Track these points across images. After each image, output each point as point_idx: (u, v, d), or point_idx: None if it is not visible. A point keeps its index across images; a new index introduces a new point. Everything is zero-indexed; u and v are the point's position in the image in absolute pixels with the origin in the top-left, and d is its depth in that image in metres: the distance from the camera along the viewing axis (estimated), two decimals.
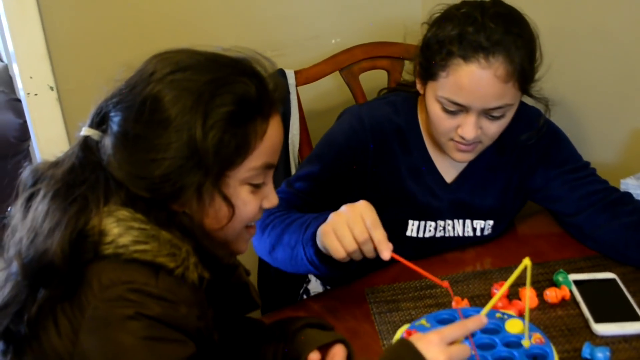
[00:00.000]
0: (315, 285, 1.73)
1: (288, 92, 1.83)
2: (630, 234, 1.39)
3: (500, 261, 1.46)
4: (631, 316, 1.23)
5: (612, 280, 1.33)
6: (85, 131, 0.98)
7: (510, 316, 1.15)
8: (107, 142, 0.96)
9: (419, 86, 1.44)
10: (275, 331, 1.13)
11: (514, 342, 1.09)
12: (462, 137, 1.36)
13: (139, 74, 0.97)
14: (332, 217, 1.18)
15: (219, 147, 0.93)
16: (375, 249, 1.15)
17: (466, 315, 1.07)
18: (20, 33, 1.77)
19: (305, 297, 1.72)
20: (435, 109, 1.37)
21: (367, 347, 1.21)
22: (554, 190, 1.50)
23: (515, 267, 1.02)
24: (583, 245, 1.48)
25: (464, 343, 0.98)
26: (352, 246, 1.14)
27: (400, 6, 2.17)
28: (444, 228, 1.52)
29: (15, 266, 0.92)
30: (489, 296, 1.32)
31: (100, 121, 0.98)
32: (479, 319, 0.99)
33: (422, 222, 1.51)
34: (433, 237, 1.52)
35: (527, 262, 0.99)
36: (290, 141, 1.85)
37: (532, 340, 1.08)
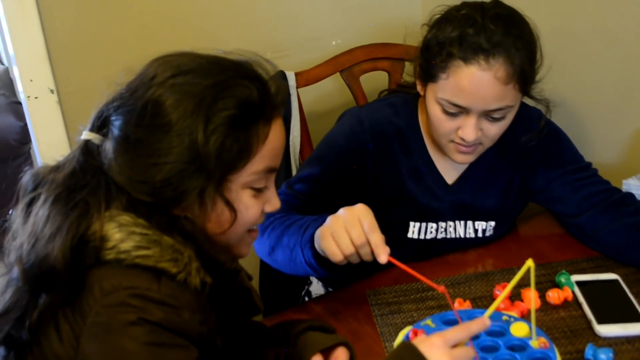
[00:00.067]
0: (316, 287, 1.72)
1: (289, 95, 1.83)
2: (632, 235, 1.39)
3: (502, 262, 1.45)
4: (634, 317, 1.22)
5: (615, 281, 1.32)
6: (86, 135, 0.98)
7: (516, 319, 1.14)
8: (108, 146, 0.95)
9: (419, 88, 1.43)
10: (277, 334, 1.13)
11: (518, 346, 1.08)
12: (463, 139, 1.36)
13: (140, 77, 0.97)
14: (330, 220, 1.18)
15: (220, 151, 0.93)
16: (373, 253, 1.14)
17: (471, 317, 1.06)
18: (20, 36, 1.77)
19: (306, 299, 1.72)
20: (435, 110, 1.37)
21: (369, 349, 1.21)
22: (555, 191, 1.50)
23: (518, 268, 1.02)
24: (585, 246, 1.47)
25: (467, 346, 0.98)
26: (349, 249, 1.14)
27: (401, 7, 2.16)
28: (445, 229, 1.52)
29: (16, 271, 0.91)
30: (491, 298, 1.32)
31: (101, 125, 0.98)
32: (482, 322, 0.99)
33: (423, 224, 1.51)
34: (434, 239, 1.52)
35: (530, 263, 0.99)
36: (291, 143, 1.85)
37: (537, 342, 1.07)
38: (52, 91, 1.82)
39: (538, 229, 1.61)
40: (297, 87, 1.86)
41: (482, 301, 1.32)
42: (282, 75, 1.82)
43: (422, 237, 1.51)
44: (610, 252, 1.42)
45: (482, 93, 1.29)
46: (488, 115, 1.33)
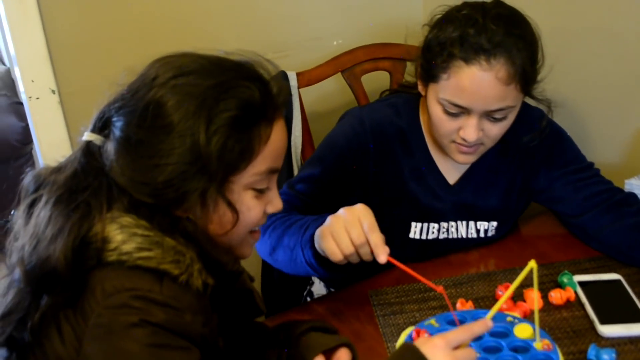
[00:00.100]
0: (318, 288, 1.72)
1: (291, 95, 1.83)
2: (635, 235, 1.38)
3: (505, 263, 1.45)
4: (637, 317, 1.22)
5: (617, 281, 1.32)
6: (88, 136, 0.98)
7: (521, 320, 1.14)
8: (110, 147, 0.95)
9: (420, 88, 1.43)
10: (279, 335, 1.13)
11: (521, 347, 1.08)
12: (464, 139, 1.35)
13: (141, 78, 0.97)
14: (330, 219, 1.18)
15: (222, 152, 0.93)
16: (372, 253, 1.14)
17: (475, 318, 1.06)
18: (21, 36, 1.77)
19: (308, 299, 1.72)
20: (436, 111, 1.37)
21: (372, 350, 1.21)
22: (557, 191, 1.50)
23: (520, 268, 1.02)
24: (587, 246, 1.47)
25: (469, 347, 0.98)
26: (349, 249, 1.14)
27: (402, 7, 2.16)
28: (447, 230, 1.52)
29: (17, 273, 0.91)
30: (494, 298, 1.32)
31: (102, 126, 0.98)
32: (485, 323, 0.98)
33: (425, 224, 1.51)
34: (436, 239, 1.52)
35: (532, 264, 0.99)
36: (292, 143, 1.85)
37: (540, 344, 1.07)
38: (53, 92, 1.82)
39: (540, 229, 1.61)
40: (298, 87, 1.86)
41: (485, 301, 1.31)
42: (283, 76, 1.82)
43: (423, 237, 1.51)
44: (612, 252, 1.42)
45: (483, 93, 1.29)
46: (489, 115, 1.33)
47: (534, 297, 1.25)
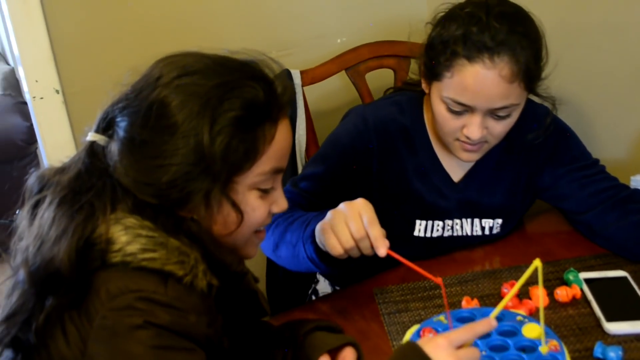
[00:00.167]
0: (323, 286, 1.72)
1: (295, 94, 1.83)
2: None
3: (510, 260, 1.45)
4: None
5: (624, 279, 1.32)
6: (92, 136, 0.97)
7: (531, 320, 1.13)
8: (114, 147, 0.95)
9: (424, 86, 1.43)
10: (285, 334, 1.12)
11: (528, 347, 1.08)
12: (468, 137, 1.35)
13: (145, 78, 0.97)
14: (331, 214, 1.18)
15: (226, 152, 0.92)
16: (373, 246, 1.14)
17: (484, 315, 1.05)
18: (25, 36, 1.77)
19: (313, 297, 1.72)
20: (440, 109, 1.36)
21: (377, 348, 1.20)
22: (562, 189, 1.49)
23: (525, 266, 1.01)
24: (593, 244, 1.46)
25: (473, 346, 0.98)
26: (349, 243, 1.14)
27: (406, 4, 2.16)
28: (452, 227, 1.52)
29: (22, 274, 0.91)
30: (499, 296, 1.32)
31: (106, 126, 0.97)
32: (488, 322, 0.98)
33: (430, 222, 1.50)
34: (441, 237, 1.52)
35: (537, 263, 0.98)
36: (297, 141, 1.85)
37: (547, 346, 1.06)
38: (57, 91, 1.82)
39: (545, 226, 1.61)
40: (302, 86, 1.86)
41: (490, 299, 1.31)
42: (287, 74, 1.82)
43: (428, 235, 1.51)
44: (618, 249, 1.42)
45: (487, 91, 1.29)
46: (493, 113, 1.33)
47: (540, 296, 1.25)
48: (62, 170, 0.97)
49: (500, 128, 1.36)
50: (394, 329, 1.25)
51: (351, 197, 1.27)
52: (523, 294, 1.29)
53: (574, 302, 1.29)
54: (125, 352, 0.85)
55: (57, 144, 1.84)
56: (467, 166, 1.50)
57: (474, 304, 1.28)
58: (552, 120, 1.48)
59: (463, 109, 1.33)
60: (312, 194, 1.44)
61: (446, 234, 1.52)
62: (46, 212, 0.93)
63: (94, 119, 1.00)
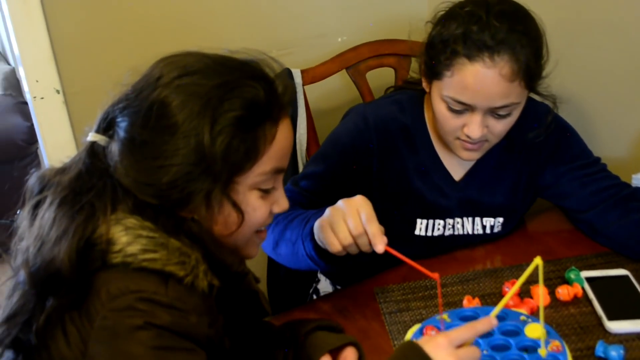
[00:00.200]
0: (324, 285, 1.72)
1: (296, 93, 1.83)
2: None
3: (511, 259, 1.45)
4: None
5: (625, 277, 1.32)
6: (92, 137, 0.97)
7: (534, 320, 1.13)
8: (114, 148, 0.95)
9: (424, 84, 1.43)
10: (286, 334, 1.12)
11: (530, 347, 1.07)
12: (468, 136, 1.35)
13: (145, 78, 0.96)
14: (329, 211, 1.18)
15: (227, 152, 0.92)
16: (371, 243, 1.14)
17: (485, 314, 1.05)
18: (25, 36, 1.77)
19: (314, 297, 1.72)
20: (440, 108, 1.36)
21: (378, 348, 1.20)
22: (564, 187, 1.49)
23: (527, 265, 1.01)
24: (594, 242, 1.46)
25: (473, 345, 0.97)
26: (347, 240, 1.14)
27: (406, 3, 2.16)
28: (453, 226, 1.52)
29: (22, 275, 0.91)
30: (500, 295, 1.32)
31: (106, 127, 0.97)
32: (489, 321, 0.98)
33: (431, 221, 1.50)
34: (442, 236, 1.52)
35: (538, 261, 0.98)
36: (297, 141, 1.85)
37: (549, 347, 1.06)
38: (58, 91, 1.82)
39: (547, 225, 1.60)
40: (303, 85, 1.86)
41: (491, 298, 1.31)
42: (288, 73, 1.82)
43: (429, 234, 1.51)
44: (619, 248, 1.42)
45: (487, 90, 1.29)
46: (493, 112, 1.32)
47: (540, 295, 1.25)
48: (62, 170, 0.97)
49: (500, 127, 1.36)
50: (395, 328, 1.25)
51: (351, 196, 1.27)
52: (524, 293, 1.29)
53: (575, 300, 1.29)
54: (126, 353, 0.85)
55: (57, 144, 1.84)
56: (468, 165, 1.50)
57: (475, 303, 1.28)
58: (553, 118, 1.48)
59: (463, 108, 1.33)
60: (312, 192, 1.44)
61: (447, 232, 1.52)
62: (47, 213, 0.93)
63: (95, 119, 0.99)
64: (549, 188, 1.52)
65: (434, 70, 1.35)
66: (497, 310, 1.01)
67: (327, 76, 1.91)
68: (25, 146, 3.10)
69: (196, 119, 0.91)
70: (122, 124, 0.95)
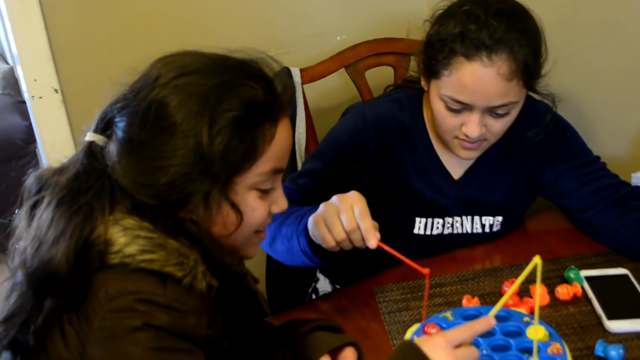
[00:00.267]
0: (323, 284, 1.72)
1: (295, 92, 1.82)
2: None
3: (510, 258, 1.45)
4: None
5: (625, 276, 1.31)
6: (90, 137, 0.97)
7: (539, 321, 1.13)
8: (112, 148, 0.94)
9: (423, 83, 1.43)
10: (285, 334, 1.12)
11: (530, 348, 1.07)
12: (467, 135, 1.35)
13: (143, 78, 0.96)
14: (323, 206, 1.18)
15: (226, 153, 0.92)
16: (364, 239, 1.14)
17: (486, 314, 1.04)
18: (23, 35, 1.76)
19: (314, 296, 1.71)
20: (439, 107, 1.36)
21: (377, 347, 1.20)
22: (563, 186, 1.49)
23: (526, 264, 1.00)
24: (594, 241, 1.46)
25: (471, 345, 0.97)
26: (340, 235, 1.14)
27: (405, 2, 2.15)
28: (452, 225, 1.51)
29: (20, 276, 0.91)
30: (500, 294, 1.31)
31: (104, 127, 0.97)
32: (487, 321, 0.98)
33: (430, 220, 1.50)
34: (441, 235, 1.52)
35: (537, 260, 0.98)
36: (296, 140, 1.85)
37: (549, 350, 1.06)
38: (56, 91, 1.81)
39: (546, 224, 1.60)
40: (302, 84, 1.86)
41: (491, 297, 1.31)
42: (287, 72, 1.82)
43: (428, 232, 1.51)
44: (619, 247, 1.41)
45: (485, 90, 1.28)
46: (492, 111, 1.32)
47: (540, 295, 1.25)
48: (60, 170, 0.97)
49: (499, 126, 1.35)
50: (394, 327, 1.25)
51: None
52: (524, 292, 1.29)
53: (574, 300, 1.28)
54: (124, 354, 0.85)
55: (56, 143, 1.84)
56: (467, 164, 1.50)
57: (475, 302, 1.28)
58: (552, 117, 1.48)
59: (461, 107, 1.33)
60: (310, 190, 1.43)
61: (446, 231, 1.52)
62: (44, 213, 0.92)
63: (93, 118, 0.99)
64: (548, 187, 1.51)
65: (432, 69, 1.35)
66: (495, 309, 1.00)
67: (326, 75, 1.91)
68: (23, 145, 3.10)
69: (194, 119, 0.91)
70: (120, 124, 0.94)
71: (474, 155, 1.43)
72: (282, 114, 0.99)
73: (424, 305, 1.15)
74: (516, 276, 1.33)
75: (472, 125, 1.33)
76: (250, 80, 0.95)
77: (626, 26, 1.63)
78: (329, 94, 2.07)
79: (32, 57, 1.78)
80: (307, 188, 1.44)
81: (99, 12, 1.82)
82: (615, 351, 1.11)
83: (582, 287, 1.30)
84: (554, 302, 1.28)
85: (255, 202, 0.99)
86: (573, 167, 1.48)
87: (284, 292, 1.74)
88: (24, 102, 3.05)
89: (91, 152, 0.96)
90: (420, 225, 1.50)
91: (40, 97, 1.81)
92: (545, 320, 1.17)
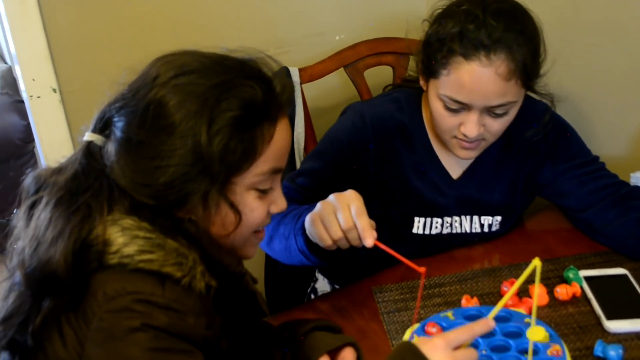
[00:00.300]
0: (322, 284, 1.72)
1: (294, 92, 1.82)
2: None
3: (510, 258, 1.44)
4: None
5: (624, 276, 1.31)
6: (89, 136, 0.97)
7: (539, 323, 1.12)
8: (111, 148, 0.94)
9: (422, 83, 1.43)
10: (284, 334, 1.12)
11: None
12: (465, 135, 1.35)
13: (142, 77, 0.96)
14: (320, 205, 1.18)
15: (224, 153, 0.92)
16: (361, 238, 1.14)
17: (488, 314, 1.04)
18: (21, 35, 1.76)
19: (312, 296, 1.71)
20: (437, 106, 1.36)
21: (376, 347, 1.20)
22: (562, 186, 1.49)
23: (525, 264, 1.01)
24: (593, 241, 1.46)
25: (470, 347, 0.97)
26: (337, 234, 1.14)
27: (404, 1, 2.15)
28: (451, 225, 1.51)
29: (18, 276, 0.91)
30: (499, 294, 1.31)
31: (103, 126, 0.97)
32: (486, 323, 0.97)
33: (429, 219, 1.50)
34: (439, 234, 1.51)
35: (536, 262, 0.97)
36: (295, 139, 1.84)
37: (549, 351, 1.05)
38: (54, 90, 1.81)
39: (545, 223, 1.60)
40: (301, 83, 1.85)
41: (490, 297, 1.31)
42: (285, 72, 1.81)
43: (427, 232, 1.51)
44: (618, 247, 1.41)
45: (483, 89, 1.28)
46: (490, 111, 1.32)
47: (539, 295, 1.24)
48: (58, 170, 0.96)
49: (497, 126, 1.35)
50: (393, 327, 1.25)
51: None
52: (523, 292, 1.29)
53: (574, 300, 1.28)
54: (123, 355, 0.85)
55: (54, 143, 1.83)
56: (466, 163, 1.50)
57: (474, 302, 1.28)
58: (551, 117, 1.48)
59: (460, 107, 1.33)
60: (308, 189, 1.43)
61: (445, 231, 1.51)
62: (42, 213, 0.92)
63: (91, 118, 0.99)
64: (548, 186, 1.51)
65: (430, 69, 1.35)
66: (495, 311, 1.00)
67: (325, 74, 1.90)
68: (21, 145, 3.10)
69: (193, 119, 0.91)
70: (118, 124, 0.94)
71: (472, 155, 1.43)
72: (281, 113, 0.99)
73: (417, 306, 1.14)
74: (515, 276, 1.33)
75: (471, 125, 1.33)
76: (249, 80, 0.95)
77: (625, 26, 1.63)
78: (328, 93, 2.06)
79: (30, 56, 1.78)
80: (306, 187, 1.44)
81: (97, 12, 1.82)
82: (614, 351, 1.11)
83: (581, 287, 1.30)
84: (553, 302, 1.28)
85: (254, 202, 0.98)
86: (572, 167, 1.48)
87: (282, 292, 1.74)
88: (22, 102, 3.04)
89: (89, 152, 0.96)
90: (419, 225, 1.50)
91: (39, 97, 1.81)
92: (544, 320, 1.17)
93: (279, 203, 1.03)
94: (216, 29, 1.96)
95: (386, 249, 1.12)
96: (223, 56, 0.99)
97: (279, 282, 1.74)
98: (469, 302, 1.27)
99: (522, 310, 1.21)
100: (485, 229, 1.53)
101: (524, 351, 1.06)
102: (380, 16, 2.13)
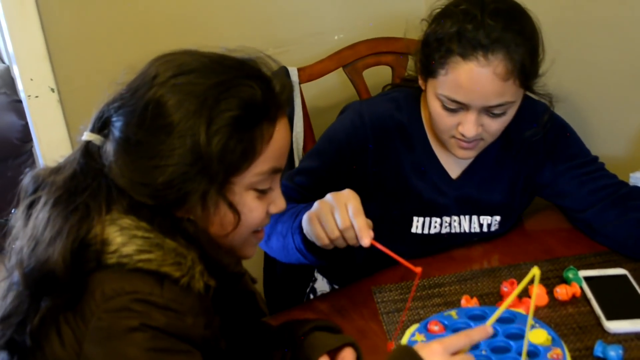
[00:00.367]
0: (321, 285, 1.72)
1: (293, 92, 1.82)
2: None
3: (509, 258, 1.44)
4: None
5: (624, 276, 1.31)
6: (87, 136, 0.97)
7: (542, 325, 1.12)
8: (109, 147, 0.94)
9: (420, 82, 1.43)
10: (283, 334, 1.12)
11: (531, 352, 1.06)
12: (463, 135, 1.35)
13: (141, 77, 0.96)
14: (318, 204, 1.18)
15: (223, 152, 0.91)
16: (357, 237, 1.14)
17: (492, 313, 1.04)
18: (19, 34, 1.76)
19: (312, 296, 1.71)
20: (435, 106, 1.36)
21: (375, 347, 1.20)
22: (562, 186, 1.49)
23: (525, 264, 1.01)
24: (593, 241, 1.46)
25: (468, 354, 0.97)
26: (334, 233, 1.14)
27: (403, 1, 2.15)
28: (450, 224, 1.51)
29: (16, 275, 0.91)
30: (498, 294, 1.31)
31: (101, 126, 0.96)
32: (485, 329, 0.98)
33: (428, 219, 1.50)
34: (438, 234, 1.51)
35: (535, 271, 0.96)
36: (294, 139, 1.84)
37: (549, 354, 1.05)
38: (52, 90, 1.81)
39: (545, 223, 1.60)
40: (300, 83, 1.85)
41: (489, 298, 1.31)
42: (284, 71, 1.81)
43: (426, 232, 1.51)
44: (618, 247, 1.41)
45: (481, 89, 1.28)
46: (488, 111, 1.32)
47: (539, 295, 1.24)
48: (57, 170, 0.96)
49: (495, 126, 1.35)
50: (392, 327, 1.25)
51: None
52: (522, 293, 1.28)
53: (573, 300, 1.28)
54: (121, 354, 0.85)
55: (52, 143, 1.83)
56: (465, 163, 1.50)
57: (474, 302, 1.28)
58: (550, 117, 1.48)
59: (458, 107, 1.33)
60: (306, 188, 1.43)
61: (444, 230, 1.51)
62: (41, 213, 0.92)
63: (90, 118, 0.99)
64: (547, 187, 1.51)
65: (429, 69, 1.35)
66: (496, 315, 0.99)
67: (324, 74, 1.90)
68: (19, 145, 3.10)
69: (192, 118, 0.90)
70: (117, 124, 0.94)
71: (470, 154, 1.42)
72: (281, 113, 0.99)
73: (407, 306, 1.14)
74: (515, 276, 1.33)
75: (469, 125, 1.33)
76: (248, 79, 0.95)
77: (625, 26, 1.63)
78: (327, 93, 2.06)
79: (28, 56, 1.77)
80: (304, 186, 1.44)
81: (95, 11, 1.81)
82: (614, 352, 1.10)
83: (581, 288, 1.30)
84: (553, 302, 1.28)
85: (253, 203, 0.98)
86: (572, 167, 1.48)
87: (281, 292, 1.73)
88: (20, 101, 3.04)
89: (88, 151, 0.95)
90: (418, 225, 1.50)
91: (37, 97, 1.80)
92: (544, 320, 1.16)
93: (278, 203, 1.03)
94: (215, 29, 1.96)
95: (383, 248, 1.12)
96: (222, 56, 0.99)
97: (278, 282, 1.73)
98: (468, 303, 1.27)
99: (521, 310, 1.20)
100: (485, 229, 1.53)
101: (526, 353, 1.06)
102: (379, 16, 2.13)
